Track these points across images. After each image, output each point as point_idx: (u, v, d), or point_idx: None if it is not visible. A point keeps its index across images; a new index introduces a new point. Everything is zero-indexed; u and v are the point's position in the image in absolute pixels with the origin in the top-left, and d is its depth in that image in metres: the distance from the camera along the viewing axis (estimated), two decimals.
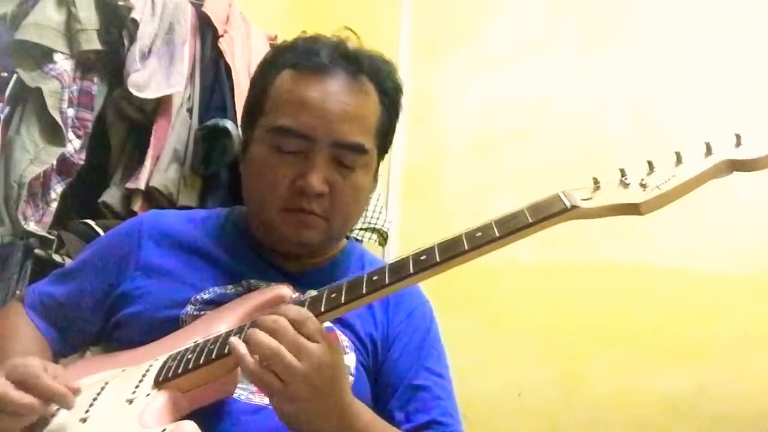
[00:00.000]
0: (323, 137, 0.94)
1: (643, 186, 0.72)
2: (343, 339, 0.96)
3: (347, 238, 1.16)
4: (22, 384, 0.78)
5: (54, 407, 0.81)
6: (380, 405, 0.97)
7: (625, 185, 0.74)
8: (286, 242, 0.99)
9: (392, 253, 2.15)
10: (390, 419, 0.94)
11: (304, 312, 0.78)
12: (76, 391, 0.82)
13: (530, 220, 0.75)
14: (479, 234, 0.76)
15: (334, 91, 0.96)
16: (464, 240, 0.77)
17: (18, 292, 1.28)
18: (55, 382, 0.80)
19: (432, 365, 1.02)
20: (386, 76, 1.03)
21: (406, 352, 1.00)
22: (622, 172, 0.75)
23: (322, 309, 0.80)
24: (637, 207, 0.72)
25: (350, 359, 0.96)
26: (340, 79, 0.97)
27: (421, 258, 0.78)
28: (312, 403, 0.77)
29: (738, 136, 0.70)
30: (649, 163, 0.74)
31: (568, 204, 0.74)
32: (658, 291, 1.89)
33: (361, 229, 2.00)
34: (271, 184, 0.96)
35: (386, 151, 1.08)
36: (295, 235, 0.97)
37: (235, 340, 0.77)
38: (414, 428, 0.94)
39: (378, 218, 2.01)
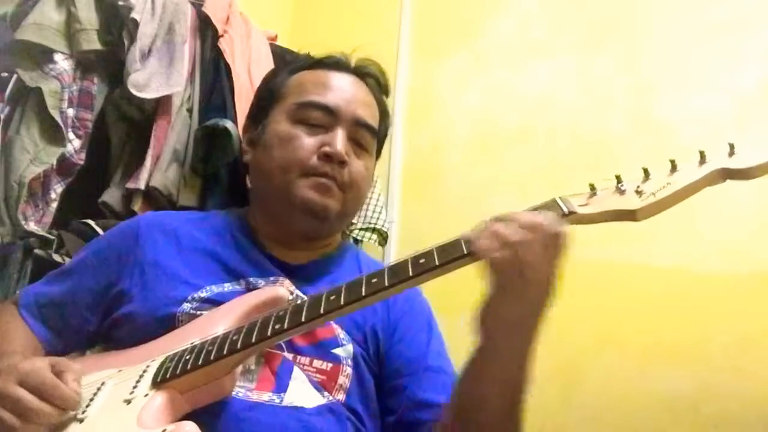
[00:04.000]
0: (346, 114, 1.07)
1: (639, 193, 0.74)
2: (340, 331, 0.97)
3: (342, 237, 1.18)
4: (37, 392, 0.79)
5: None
6: (388, 388, 0.99)
7: (621, 192, 0.76)
8: (306, 211, 1.02)
9: (392, 254, 2.15)
10: (407, 398, 0.97)
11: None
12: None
13: None
14: None
15: (352, 82, 1.12)
16: (463, 243, 0.78)
17: (18, 292, 1.28)
18: (64, 386, 0.81)
19: (441, 350, 1.06)
20: (381, 98, 1.18)
21: (415, 334, 1.03)
22: (618, 179, 0.77)
23: (321, 311, 0.80)
24: (633, 213, 0.74)
25: (348, 350, 0.97)
26: (353, 77, 1.13)
27: (420, 261, 0.79)
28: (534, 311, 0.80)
29: (731, 146, 0.73)
30: (645, 171, 0.76)
31: (565, 209, 0.76)
32: (658, 291, 1.88)
33: (361, 229, 2.00)
34: (295, 151, 1.03)
35: (376, 159, 1.19)
36: (317, 200, 1.02)
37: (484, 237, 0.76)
38: (436, 404, 0.96)
39: (378, 218, 2.01)
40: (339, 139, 1.04)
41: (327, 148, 1.03)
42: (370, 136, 1.10)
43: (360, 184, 1.07)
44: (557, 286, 0.79)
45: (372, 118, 1.11)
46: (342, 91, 1.09)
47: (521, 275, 0.75)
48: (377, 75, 1.17)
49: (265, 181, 1.07)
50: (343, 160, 1.03)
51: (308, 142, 1.04)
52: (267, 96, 1.13)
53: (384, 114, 1.17)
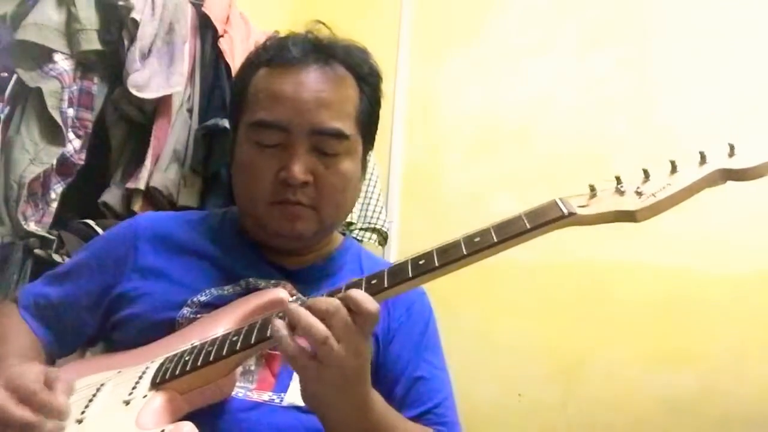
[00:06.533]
0: (300, 126, 0.96)
1: (639, 194, 0.74)
2: None
3: (344, 235, 1.17)
4: (20, 397, 0.78)
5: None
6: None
7: (621, 193, 0.75)
8: (281, 236, 0.99)
9: (392, 253, 2.16)
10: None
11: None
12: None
13: (528, 227, 0.75)
14: (477, 239, 0.77)
15: (307, 81, 0.98)
16: (462, 245, 0.77)
17: (16, 292, 1.28)
18: (52, 396, 0.79)
19: (431, 357, 1.04)
20: (362, 63, 1.04)
21: (406, 345, 1.01)
22: (618, 180, 0.76)
23: None
24: (633, 214, 0.73)
25: None
26: (313, 69, 0.99)
27: (420, 262, 0.78)
28: (340, 389, 0.78)
29: (732, 146, 0.72)
30: (645, 171, 0.75)
31: (565, 211, 0.75)
32: (659, 291, 1.89)
33: (361, 229, 2.00)
34: (256, 180, 0.98)
35: (372, 140, 1.08)
36: (287, 228, 0.98)
37: (279, 323, 0.77)
38: (413, 417, 0.95)
39: (378, 218, 2.01)
40: (295, 160, 0.95)
41: (283, 173, 0.95)
42: (336, 141, 0.97)
43: (335, 195, 0.99)
44: (363, 364, 0.78)
45: (337, 117, 0.97)
46: (295, 99, 0.96)
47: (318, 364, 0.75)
48: (342, 53, 1.01)
49: (239, 206, 1.06)
50: (304, 181, 0.95)
51: (265, 169, 0.97)
52: (236, 99, 1.07)
53: (365, 90, 1.03)
